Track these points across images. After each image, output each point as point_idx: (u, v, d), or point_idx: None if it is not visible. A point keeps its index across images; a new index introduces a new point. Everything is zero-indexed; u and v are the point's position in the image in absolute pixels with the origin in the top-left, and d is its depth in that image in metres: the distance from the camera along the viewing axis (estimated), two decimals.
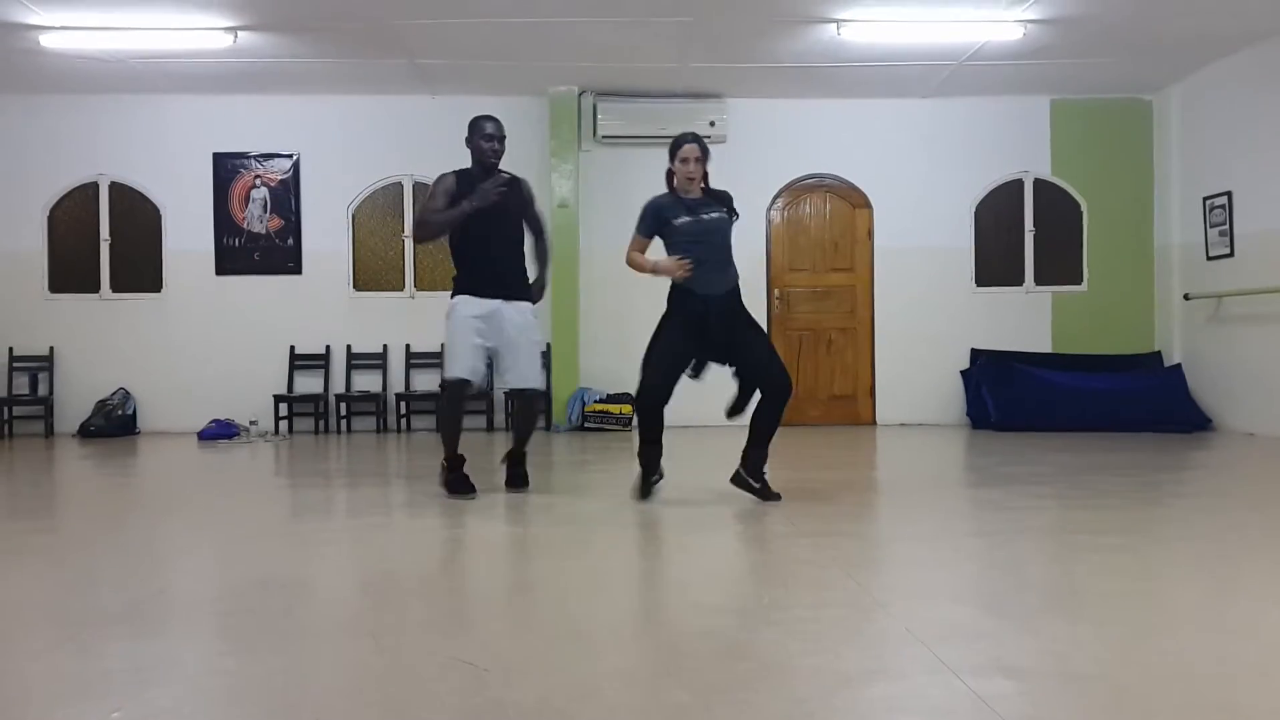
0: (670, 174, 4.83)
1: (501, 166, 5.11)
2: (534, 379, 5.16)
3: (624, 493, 5.39)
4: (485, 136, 5.03)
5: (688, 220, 4.75)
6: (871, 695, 2.23)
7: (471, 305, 4.98)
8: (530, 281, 5.20)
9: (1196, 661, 2.45)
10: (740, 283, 4.88)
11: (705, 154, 4.80)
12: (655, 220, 4.81)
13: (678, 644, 2.61)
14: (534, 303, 5.18)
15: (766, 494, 4.75)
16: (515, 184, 5.10)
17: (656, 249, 4.89)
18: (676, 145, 4.78)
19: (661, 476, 4.96)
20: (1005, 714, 2.05)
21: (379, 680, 2.33)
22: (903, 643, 2.60)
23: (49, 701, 2.24)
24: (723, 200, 4.83)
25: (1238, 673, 2.37)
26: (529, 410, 5.45)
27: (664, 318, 4.82)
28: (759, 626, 2.85)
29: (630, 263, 4.86)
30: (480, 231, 4.98)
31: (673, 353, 4.77)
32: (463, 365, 4.97)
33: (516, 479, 5.29)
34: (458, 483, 5.08)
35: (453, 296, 5.07)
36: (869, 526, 4.41)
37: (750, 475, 4.78)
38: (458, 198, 4.95)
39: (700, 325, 4.71)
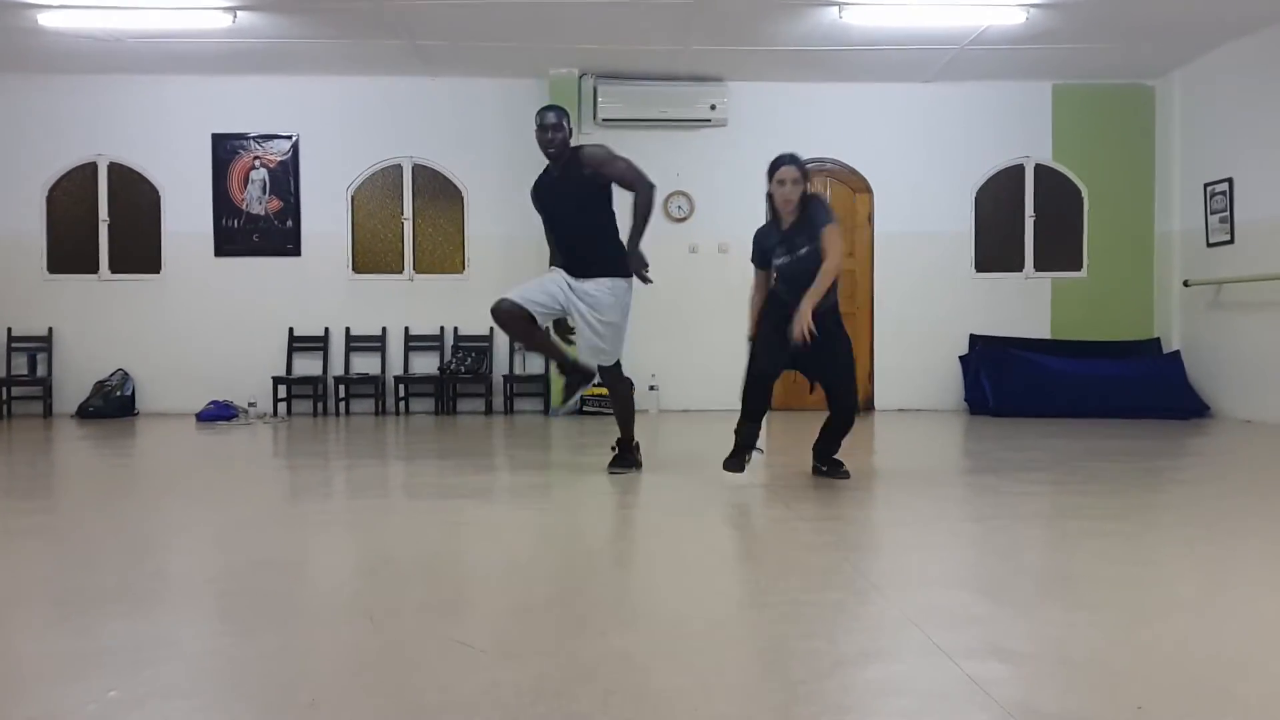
0: (770, 195, 4.74)
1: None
2: (597, 355, 5.05)
3: (619, 476, 5.39)
4: (539, 128, 5.03)
5: (785, 260, 4.74)
6: (866, 678, 2.24)
7: (559, 273, 5.10)
8: (609, 255, 5.03)
9: (1191, 647, 2.46)
10: (836, 299, 4.82)
11: (804, 175, 4.68)
12: (762, 250, 4.88)
13: (674, 627, 2.62)
14: (626, 276, 5.02)
15: (836, 471, 4.98)
16: (573, 158, 5.03)
17: None
18: (774, 167, 4.69)
19: (760, 451, 5.01)
20: (999, 697, 2.06)
21: (376, 661, 2.34)
22: (898, 626, 2.61)
23: (46, 680, 2.25)
24: (814, 222, 4.67)
25: (1233, 658, 2.38)
26: (610, 389, 5.36)
27: (760, 321, 4.90)
28: (755, 610, 2.85)
29: (752, 304, 4.99)
30: (547, 218, 5.17)
31: (769, 342, 4.76)
32: (516, 291, 5.00)
33: (616, 461, 5.33)
34: (567, 383, 5.16)
35: None
36: (866, 511, 4.42)
37: (825, 463, 4.99)
38: (537, 196, 5.20)
39: (783, 322, 4.67)
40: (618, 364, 5.17)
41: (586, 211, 5.01)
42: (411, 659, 2.33)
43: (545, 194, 5.15)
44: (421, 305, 9.55)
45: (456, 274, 9.60)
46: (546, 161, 5.13)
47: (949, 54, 8.67)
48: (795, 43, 8.34)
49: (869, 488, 4.94)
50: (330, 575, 3.34)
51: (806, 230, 4.67)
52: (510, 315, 4.92)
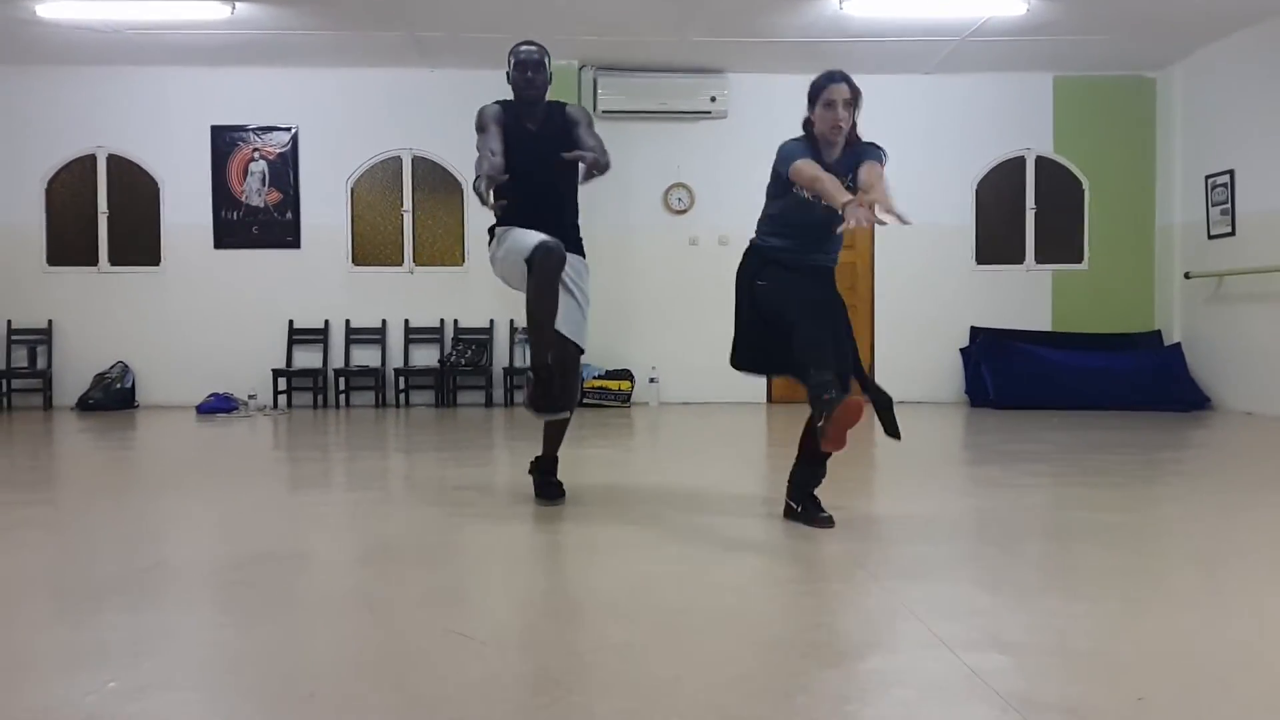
0: (809, 122, 3.78)
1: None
2: (580, 328, 4.14)
3: (618, 468, 5.39)
4: (517, 65, 4.19)
5: (817, 198, 3.59)
6: (866, 669, 2.24)
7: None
8: (578, 232, 4.29)
9: (1192, 638, 2.46)
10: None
11: (857, 96, 3.74)
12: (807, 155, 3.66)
13: (673, 618, 2.62)
14: (586, 165, 4.02)
15: (812, 517, 3.74)
16: (558, 111, 4.28)
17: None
18: (820, 86, 3.72)
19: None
20: (999, 688, 2.05)
21: (376, 652, 2.34)
22: (898, 618, 2.60)
23: (46, 672, 2.25)
24: (861, 157, 3.71)
25: (1233, 650, 2.37)
26: (562, 366, 4.04)
27: (756, 277, 3.79)
28: (754, 601, 2.85)
29: (804, 173, 3.53)
30: (523, 176, 4.09)
31: (802, 297, 3.60)
32: (539, 238, 3.95)
33: (548, 489, 4.32)
34: (542, 398, 4.04)
35: (497, 226, 4.22)
36: (867, 502, 4.41)
37: (794, 500, 3.83)
38: (509, 126, 4.16)
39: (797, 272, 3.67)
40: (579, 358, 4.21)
41: (567, 174, 4.21)
42: (411, 650, 2.33)
43: (519, 148, 4.13)
44: (421, 297, 9.54)
45: (456, 266, 9.59)
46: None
47: (950, 45, 8.64)
48: (796, 34, 8.31)
49: (870, 479, 4.94)
50: (330, 567, 3.33)
51: (850, 167, 3.68)
52: (554, 258, 3.92)
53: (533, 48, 4.26)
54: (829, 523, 3.69)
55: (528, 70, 4.21)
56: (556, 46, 8.84)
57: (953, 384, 9.48)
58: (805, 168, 3.57)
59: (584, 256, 4.29)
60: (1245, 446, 6.52)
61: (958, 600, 2.78)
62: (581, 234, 4.34)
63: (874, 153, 3.75)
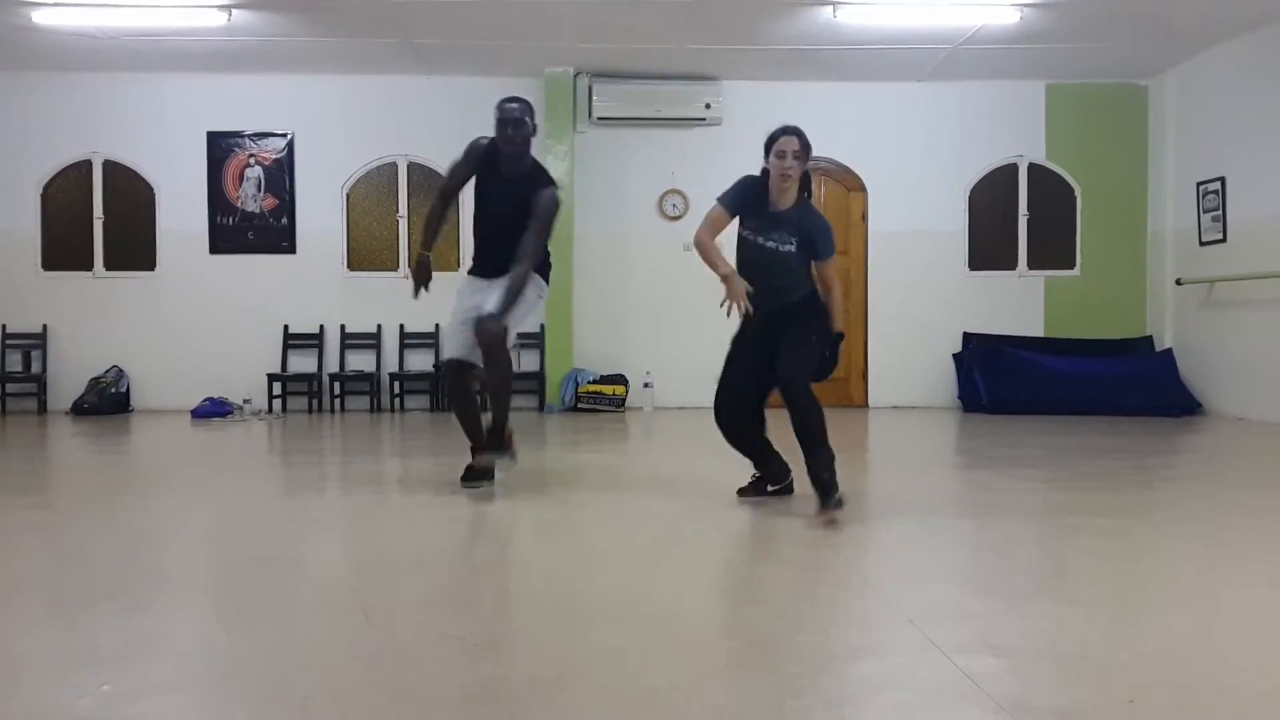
0: (765, 171, 4.18)
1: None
2: (497, 305, 4.49)
3: (612, 472, 5.40)
4: (499, 122, 4.55)
5: (762, 242, 4.15)
6: (860, 673, 2.25)
7: (470, 285, 4.77)
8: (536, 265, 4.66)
9: (1183, 641, 2.47)
10: (800, 299, 4.20)
11: (806, 149, 4.11)
12: (741, 201, 4.22)
13: (667, 622, 2.63)
14: (546, 280, 4.75)
15: (826, 497, 4.02)
16: (536, 178, 4.61)
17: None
18: (774, 137, 4.13)
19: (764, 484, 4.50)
20: (992, 692, 2.07)
21: (370, 656, 2.34)
22: (891, 621, 2.62)
23: (39, 675, 2.25)
24: (804, 229, 4.13)
25: (1225, 653, 2.39)
26: (491, 359, 4.57)
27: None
28: (748, 605, 2.86)
29: (699, 245, 4.17)
30: (484, 211, 4.70)
31: (729, 366, 4.37)
32: (451, 345, 4.77)
33: (493, 446, 4.72)
34: (467, 471, 4.79)
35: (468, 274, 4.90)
36: (860, 507, 4.42)
37: (821, 491, 4.07)
38: (479, 167, 4.66)
39: (745, 329, 4.30)
40: (505, 334, 4.56)
41: (525, 219, 4.56)
42: (405, 654, 2.34)
43: (489, 189, 4.69)
44: (416, 302, 9.50)
45: (452, 271, 9.55)
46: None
47: (943, 53, 8.67)
48: (790, 42, 8.34)
49: (863, 484, 4.95)
50: (325, 571, 3.34)
51: (799, 228, 4.13)
52: (453, 373, 4.77)
53: (514, 105, 4.58)
54: (836, 504, 3.97)
55: (508, 128, 4.55)
56: (552, 54, 8.93)
57: (946, 389, 9.50)
58: (703, 239, 4.16)
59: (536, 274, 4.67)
60: (1236, 451, 6.55)
61: (951, 604, 2.79)
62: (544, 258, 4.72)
63: (827, 245, 4.19)
